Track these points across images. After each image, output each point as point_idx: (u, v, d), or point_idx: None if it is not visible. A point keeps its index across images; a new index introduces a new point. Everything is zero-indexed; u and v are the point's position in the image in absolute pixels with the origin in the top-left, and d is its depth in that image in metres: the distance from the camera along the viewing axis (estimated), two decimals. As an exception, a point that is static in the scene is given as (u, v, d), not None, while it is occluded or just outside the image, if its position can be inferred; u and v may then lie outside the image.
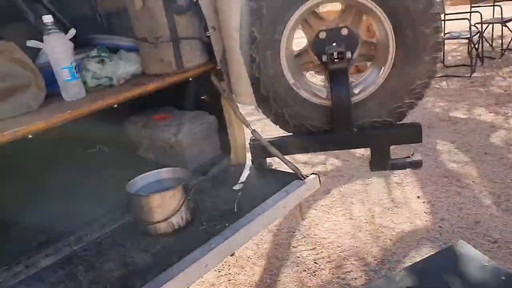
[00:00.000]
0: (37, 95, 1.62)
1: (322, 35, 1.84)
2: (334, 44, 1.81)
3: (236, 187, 1.81)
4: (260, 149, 1.93)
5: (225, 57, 1.81)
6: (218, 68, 1.84)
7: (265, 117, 1.96)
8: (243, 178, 1.90)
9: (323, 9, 2.01)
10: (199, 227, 1.54)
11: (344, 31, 1.82)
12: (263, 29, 1.76)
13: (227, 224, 1.50)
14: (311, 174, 1.75)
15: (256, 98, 1.84)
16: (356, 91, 1.88)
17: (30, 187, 2.15)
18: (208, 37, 1.79)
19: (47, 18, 1.61)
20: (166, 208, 1.48)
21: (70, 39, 1.70)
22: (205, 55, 1.91)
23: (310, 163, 3.86)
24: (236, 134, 2.03)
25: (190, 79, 1.92)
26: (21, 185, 2.18)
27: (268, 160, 2.03)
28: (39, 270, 1.45)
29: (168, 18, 1.74)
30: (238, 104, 1.94)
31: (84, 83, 1.77)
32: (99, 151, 2.55)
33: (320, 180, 1.75)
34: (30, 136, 1.46)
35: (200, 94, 2.11)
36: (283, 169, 1.91)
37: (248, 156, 2.06)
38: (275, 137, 2.02)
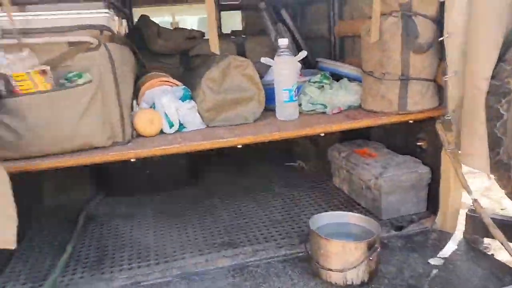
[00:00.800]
0: (255, 110, 1.72)
1: None
2: None
3: (433, 261, 1.49)
4: (478, 225, 1.54)
5: (461, 107, 1.50)
6: (447, 117, 1.55)
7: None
8: (445, 252, 1.56)
9: None
10: (374, 294, 1.33)
11: None
12: (523, 81, 1.37)
13: (408, 307, 1.24)
14: (546, 285, 1.28)
15: (491, 162, 1.47)
16: None
17: (231, 186, 2.37)
18: (445, 80, 1.53)
19: (282, 41, 1.69)
20: (343, 258, 1.33)
21: (300, 60, 1.75)
22: (435, 100, 1.65)
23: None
24: (451, 197, 1.68)
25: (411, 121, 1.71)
26: (224, 184, 2.42)
27: (486, 240, 1.62)
28: (214, 268, 1.54)
29: (404, 55, 1.56)
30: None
31: (299, 105, 1.79)
32: (298, 166, 2.59)
33: (559, 299, 1.26)
34: (239, 146, 1.56)
35: (417, 138, 1.85)
36: (504, 260, 1.47)
37: (460, 225, 1.69)
38: (503, 216, 1.58)
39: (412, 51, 1.56)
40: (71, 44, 1.35)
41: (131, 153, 1.41)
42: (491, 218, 1.48)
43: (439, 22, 1.55)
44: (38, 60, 1.29)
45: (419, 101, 1.61)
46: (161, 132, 1.62)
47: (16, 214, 1.13)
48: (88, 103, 1.34)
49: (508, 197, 1.56)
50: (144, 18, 2.41)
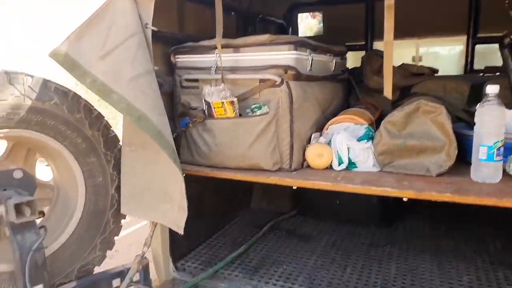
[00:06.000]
0: (442, 163, 1.48)
1: None
2: None
3: None
4: None
5: None
6: None
7: None
8: None
9: None
10: None
11: None
12: None
13: None
14: None
15: None
16: None
17: (421, 241, 2.10)
18: None
19: (491, 88, 1.38)
20: None
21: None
22: None
23: None
24: None
25: None
26: (413, 237, 2.18)
27: None
28: None
29: None
30: None
31: (504, 170, 1.41)
32: None
33: None
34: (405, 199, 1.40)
35: None
36: None
37: None
38: None
39: None
40: (261, 80, 1.58)
41: (287, 181, 1.52)
42: None
43: None
44: (235, 91, 1.59)
45: None
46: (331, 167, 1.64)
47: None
48: (261, 131, 1.53)
49: None
50: (368, 54, 2.45)
